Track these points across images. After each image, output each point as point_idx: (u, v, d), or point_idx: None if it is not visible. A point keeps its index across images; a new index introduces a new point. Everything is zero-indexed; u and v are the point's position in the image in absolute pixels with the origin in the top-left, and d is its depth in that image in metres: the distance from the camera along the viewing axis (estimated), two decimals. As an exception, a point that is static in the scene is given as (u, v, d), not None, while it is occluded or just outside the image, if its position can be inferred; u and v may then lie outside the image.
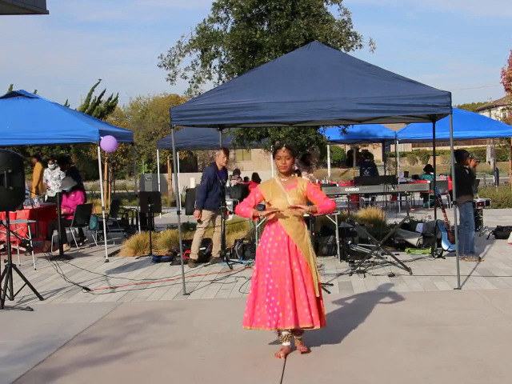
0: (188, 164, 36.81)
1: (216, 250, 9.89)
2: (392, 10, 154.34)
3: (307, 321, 5.03)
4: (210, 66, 11.80)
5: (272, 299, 5.07)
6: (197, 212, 9.66)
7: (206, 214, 9.64)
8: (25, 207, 10.97)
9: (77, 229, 12.14)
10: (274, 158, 5.33)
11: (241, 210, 5.29)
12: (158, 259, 10.17)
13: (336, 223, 9.58)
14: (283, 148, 5.19)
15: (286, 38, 11.12)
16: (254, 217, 5.27)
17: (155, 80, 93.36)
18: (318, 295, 5.13)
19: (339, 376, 4.74)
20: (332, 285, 7.82)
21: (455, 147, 10.74)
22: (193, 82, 11.81)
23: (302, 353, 5.20)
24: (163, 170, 29.91)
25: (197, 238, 9.66)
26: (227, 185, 18.95)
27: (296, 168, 10.29)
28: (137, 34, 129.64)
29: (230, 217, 12.21)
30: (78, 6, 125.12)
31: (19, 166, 7.43)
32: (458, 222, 8.83)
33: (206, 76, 11.81)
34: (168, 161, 28.88)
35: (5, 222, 7.68)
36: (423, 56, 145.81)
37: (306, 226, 5.27)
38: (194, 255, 9.66)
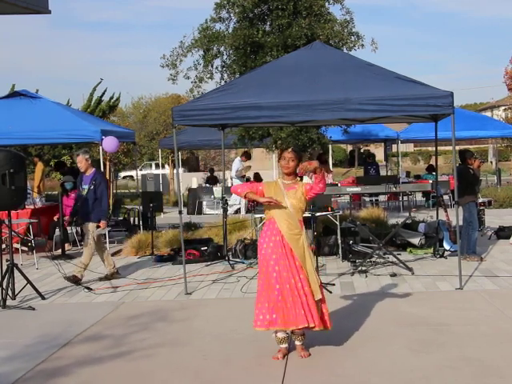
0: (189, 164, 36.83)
1: (76, 271, 8.48)
2: (394, 10, 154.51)
3: (303, 321, 4.98)
4: (212, 66, 11.82)
5: (271, 299, 5.04)
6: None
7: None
8: (27, 206, 10.97)
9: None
10: (279, 158, 5.35)
11: (237, 190, 5.36)
12: (159, 259, 10.17)
13: (338, 223, 9.57)
14: (289, 149, 5.24)
15: (288, 37, 11.11)
16: (245, 196, 5.26)
17: (157, 80, 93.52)
18: (316, 298, 5.08)
19: (342, 378, 4.73)
20: (334, 285, 7.81)
21: (457, 147, 10.73)
22: (195, 82, 11.82)
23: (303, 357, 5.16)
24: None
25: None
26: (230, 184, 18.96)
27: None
28: (139, 33, 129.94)
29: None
30: (81, 5, 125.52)
31: (21, 166, 7.44)
32: (461, 222, 8.82)
33: (208, 76, 11.83)
34: (170, 160, 28.86)
35: (7, 221, 7.68)
36: (425, 56, 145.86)
37: (304, 228, 5.26)
38: (109, 269, 8.79)
